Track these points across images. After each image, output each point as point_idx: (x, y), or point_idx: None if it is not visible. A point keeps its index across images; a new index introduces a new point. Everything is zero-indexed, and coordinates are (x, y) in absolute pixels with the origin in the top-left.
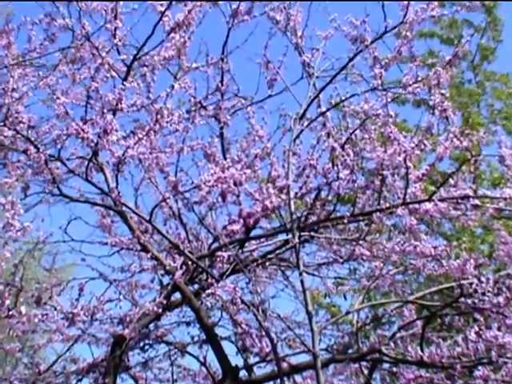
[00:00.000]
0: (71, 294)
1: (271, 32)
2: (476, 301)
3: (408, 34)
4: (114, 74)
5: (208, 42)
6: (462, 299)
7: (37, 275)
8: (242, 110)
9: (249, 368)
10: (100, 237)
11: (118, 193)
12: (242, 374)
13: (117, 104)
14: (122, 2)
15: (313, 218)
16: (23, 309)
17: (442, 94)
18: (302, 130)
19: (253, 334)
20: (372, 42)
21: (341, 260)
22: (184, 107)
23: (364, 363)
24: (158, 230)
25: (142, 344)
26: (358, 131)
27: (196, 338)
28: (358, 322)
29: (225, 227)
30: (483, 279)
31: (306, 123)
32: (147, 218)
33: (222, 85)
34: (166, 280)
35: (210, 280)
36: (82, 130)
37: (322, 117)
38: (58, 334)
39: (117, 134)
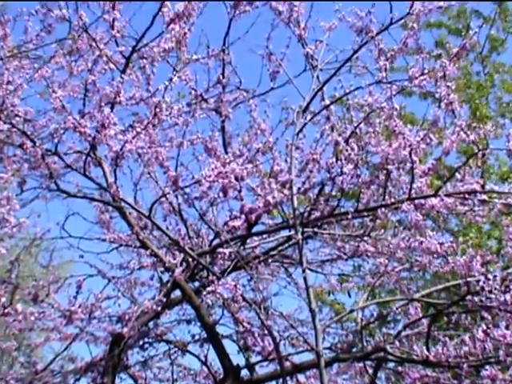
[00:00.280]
0: (69, 292)
1: (274, 23)
2: (483, 299)
3: (414, 25)
4: (112, 66)
5: (209, 33)
6: (469, 297)
7: (33, 272)
8: (244, 103)
9: (251, 367)
10: (98, 233)
11: (117, 188)
12: (244, 373)
13: (115, 97)
14: None
15: (316, 214)
16: (19, 307)
17: (449, 87)
18: (305, 124)
19: (255, 333)
20: (377, 34)
21: (345, 257)
22: (184, 100)
23: (368, 362)
24: (158, 226)
25: (141, 343)
26: (362, 125)
27: (197, 337)
28: (362, 320)
29: (226, 223)
30: (490, 276)
31: (309, 117)
32: (146, 214)
33: (224, 77)
34: (165, 277)
35: (210, 277)
36: (80, 124)
37: (325, 110)
38: (56, 332)
39: (115, 128)
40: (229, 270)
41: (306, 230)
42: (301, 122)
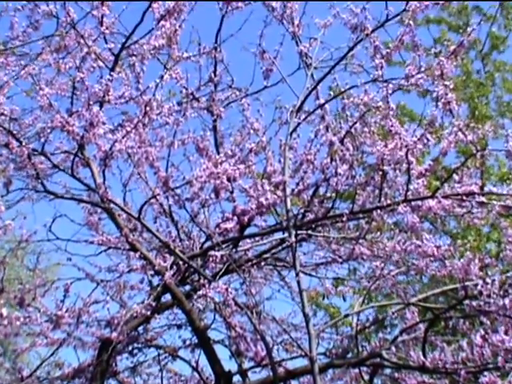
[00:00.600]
0: (56, 296)
1: (267, 20)
2: (482, 303)
3: (411, 22)
4: (100, 63)
5: (200, 30)
6: (467, 301)
7: (20, 275)
8: (236, 102)
9: (243, 373)
10: (86, 235)
11: (106, 189)
12: (236, 379)
13: (104, 95)
14: None
15: (310, 216)
16: (5, 311)
17: (446, 86)
18: (299, 123)
19: (247, 338)
20: (373, 31)
21: (340, 260)
22: (175, 99)
23: (364, 368)
24: (148, 228)
25: (130, 348)
26: (357, 124)
27: (187, 342)
28: (357, 324)
29: (218, 225)
30: (489, 280)
31: (303, 116)
32: (136, 216)
33: (215, 75)
34: (155, 281)
35: (202, 281)
36: (67, 123)
37: (320, 109)
38: (42, 337)
39: (104, 127)
40: (220, 273)
41: (299, 232)
42: (295, 122)
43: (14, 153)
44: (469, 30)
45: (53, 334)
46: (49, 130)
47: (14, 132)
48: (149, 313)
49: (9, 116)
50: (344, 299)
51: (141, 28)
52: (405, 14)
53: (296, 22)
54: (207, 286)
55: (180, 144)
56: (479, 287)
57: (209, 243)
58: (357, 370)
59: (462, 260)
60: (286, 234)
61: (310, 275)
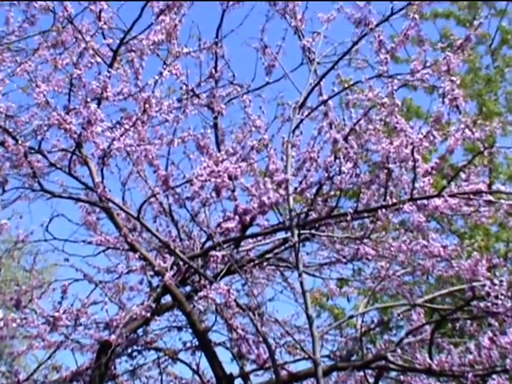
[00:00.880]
0: (53, 297)
1: (269, 14)
2: (489, 304)
3: (416, 16)
4: (98, 59)
5: (200, 24)
6: (475, 302)
7: (16, 276)
8: (238, 99)
9: (245, 376)
10: (84, 235)
11: (104, 188)
12: (238, 382)
13: (102, 92)
14: None
15: (313, 215)
16: (1, 313)
17: (453, 81)
18: (301, 120)
19: (249, 340)
20: (377, 25)
21: (344, 260)
22: (175, 95)
23: (369, 371)
24: (147, 228)
25: (129, 350)
26: (362, 121)
27: (188, 344)
28: (362, 326)
29: (219, 225)
30: (496, 281)
31: (306, 112)
32: (135, 215)
33: (216, 71)
34: (155, 282)
35: (202, 282)
36: (65, 121)
37: (323, 106)
38: (39, 339)
39: (102, 125)
40: (222, 273)
41: (302, 231)
42: (297, 119)
43: (10, 151)
44: (475, 23)
45: (50, 336)
46: (45, 128)
47: (10, 130)
48: (148, 314)
49: (4, 113)
50: (348, 300)
51: (140, 23)
52: (410, 7)
53: (299, 17)
54: (208, 287)
55: (180, 142)
56: (487, 288)
57: (210, 243)
58: (361, 373)
59: (469, 260)
60: (289, 234)
61: (313, 276)
